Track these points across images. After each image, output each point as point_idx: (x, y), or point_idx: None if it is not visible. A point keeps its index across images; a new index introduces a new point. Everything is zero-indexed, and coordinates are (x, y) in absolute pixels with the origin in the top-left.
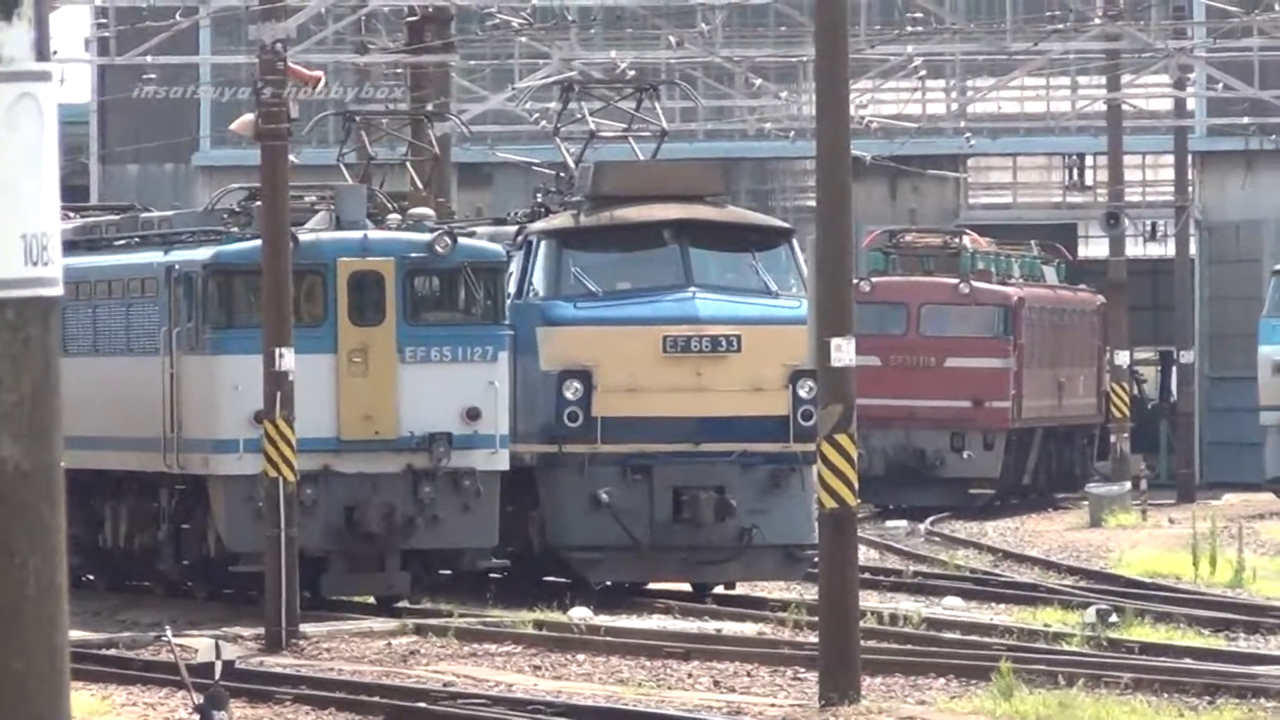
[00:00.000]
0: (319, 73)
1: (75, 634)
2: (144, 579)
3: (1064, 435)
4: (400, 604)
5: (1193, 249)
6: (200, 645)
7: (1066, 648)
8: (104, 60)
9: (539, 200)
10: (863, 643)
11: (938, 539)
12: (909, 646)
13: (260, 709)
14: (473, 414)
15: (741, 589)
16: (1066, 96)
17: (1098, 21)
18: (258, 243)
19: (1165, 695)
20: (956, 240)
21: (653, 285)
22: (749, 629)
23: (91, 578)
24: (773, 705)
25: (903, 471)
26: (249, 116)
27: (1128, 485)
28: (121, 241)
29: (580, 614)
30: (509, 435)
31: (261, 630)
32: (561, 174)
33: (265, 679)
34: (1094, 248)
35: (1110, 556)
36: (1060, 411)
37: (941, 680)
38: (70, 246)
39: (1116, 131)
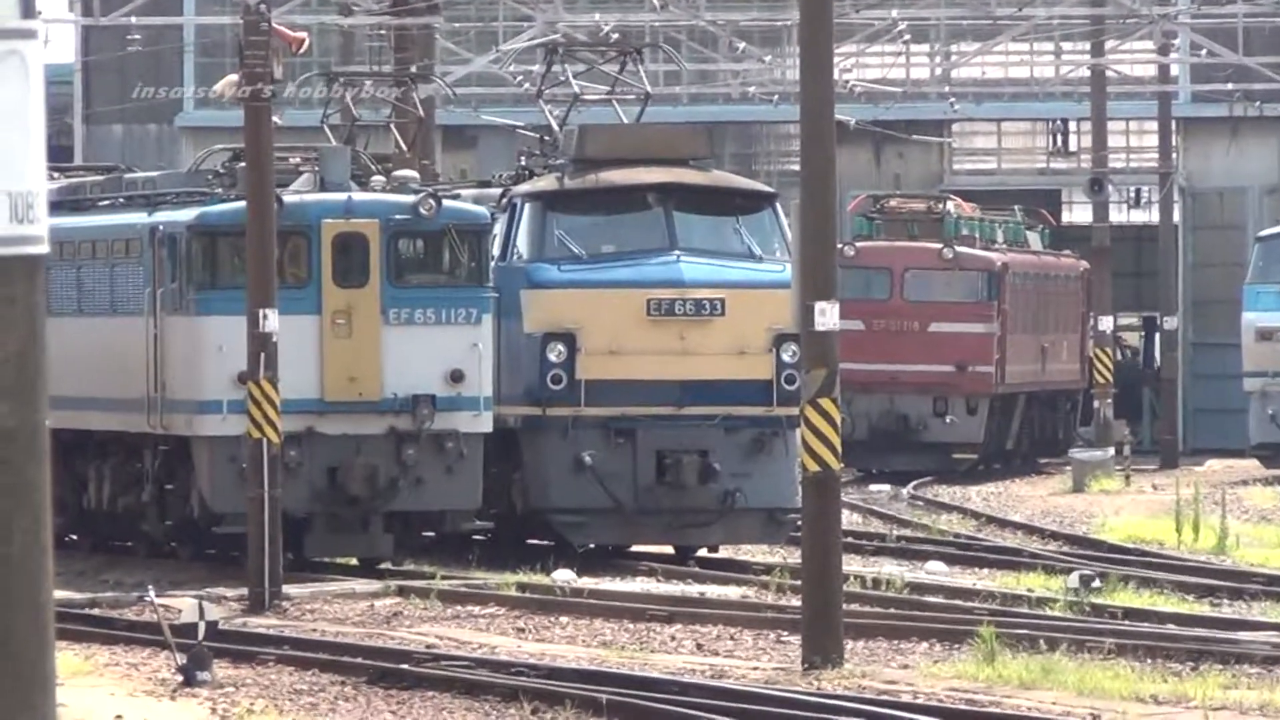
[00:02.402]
0: (303, 34)
1: (59, 594)
2: (127, 539)
3: (1047, 400)
4: (383, 565)
5: (1176, 215)
6: (183, 606)
7: (1049, 613)
8: (88, 20)
9: (523, 163)
10: (845, 606)
11: (921, 503)
12: (892, 611)
13: (243, 669)
14: (456, 376)
15: (725, 552)
16: (1051, 62)
17: None
18: (242, 204)
19: (1149, 660)
20: (941, 205)
21: (637, 248)
22: (732, 592)
23: (75, 538)
24: (756, 668)
25: (886, 436)
26: (233, 77)
27: (1111, 451)
28: (106, 202)
29: (563, 576)
30: (493, 398)
31: (244, 591)
32: (546, 137)
33: (248, 640)
34: (1078, 213)
35: (1093, 522)
36: (1044, 377)
37: (924, 644)
38: (55, 207)
39: (1101, 97)
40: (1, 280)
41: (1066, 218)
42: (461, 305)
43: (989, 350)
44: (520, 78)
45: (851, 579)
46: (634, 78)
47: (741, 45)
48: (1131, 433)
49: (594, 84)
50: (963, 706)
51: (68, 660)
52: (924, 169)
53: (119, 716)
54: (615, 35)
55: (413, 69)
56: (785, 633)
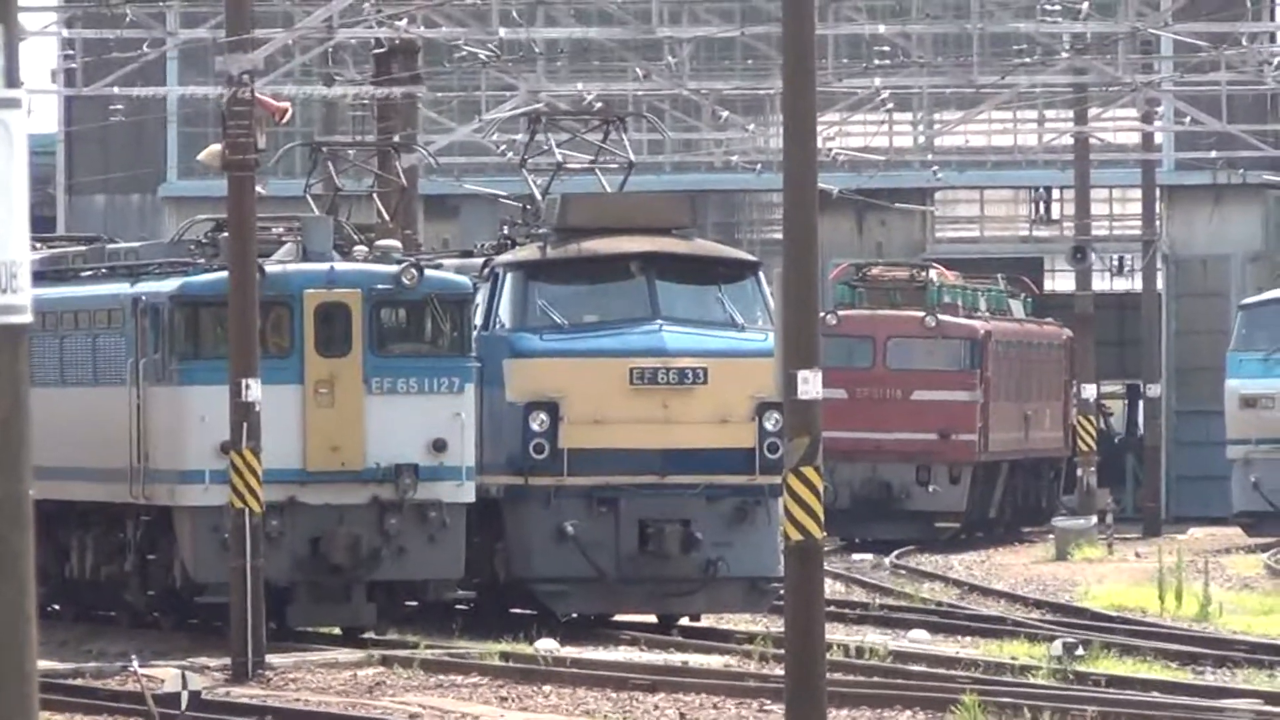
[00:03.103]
0: (286, 104)
1: (42, 664)
2: (110, 609)
3: (1030, 468)
4: (366, 635)
5: (1160, 283)
6: (166, 675)
7: (1033, 680)
8: (71, 91)
9: (505, 232)
10: (829, 675)
11: (904, 572)
12: (875, 679)
13: None
14: (439, 445)
15: (707, 621)
16: (1034, 130)
17: (1065, 55)
18: (224, 274)
19: None
20: (923, 273)
21: (619, 318)
22: (715, 661)
23: (58, 607)
24: None
25: (869, 504)
26: (216, 147)
27: (1094, 519)
28: (88, 272)
29: (546, 645)
30: (475, 467)
31: (228, 660)
32: (528, 206)
33: (231, 709)
34: (1061, 281)
35: (1076, 590)
36: (1027, 445)
37: (908, 712)
38: (37, 277)
39: (1084, 165)
40: None
41: (1049, 285)
42: (444, 374)
43: (972, 418)
44: (503, 147)
45: (835, 647)
46: (617, 146)
47: (725, 114)
48: (1115, 500)
49: (577, 153)
50: None
51: None
52: (906, 237)
53: None
54: (598, 104)
55: (395, 138)
56: (768, 701)
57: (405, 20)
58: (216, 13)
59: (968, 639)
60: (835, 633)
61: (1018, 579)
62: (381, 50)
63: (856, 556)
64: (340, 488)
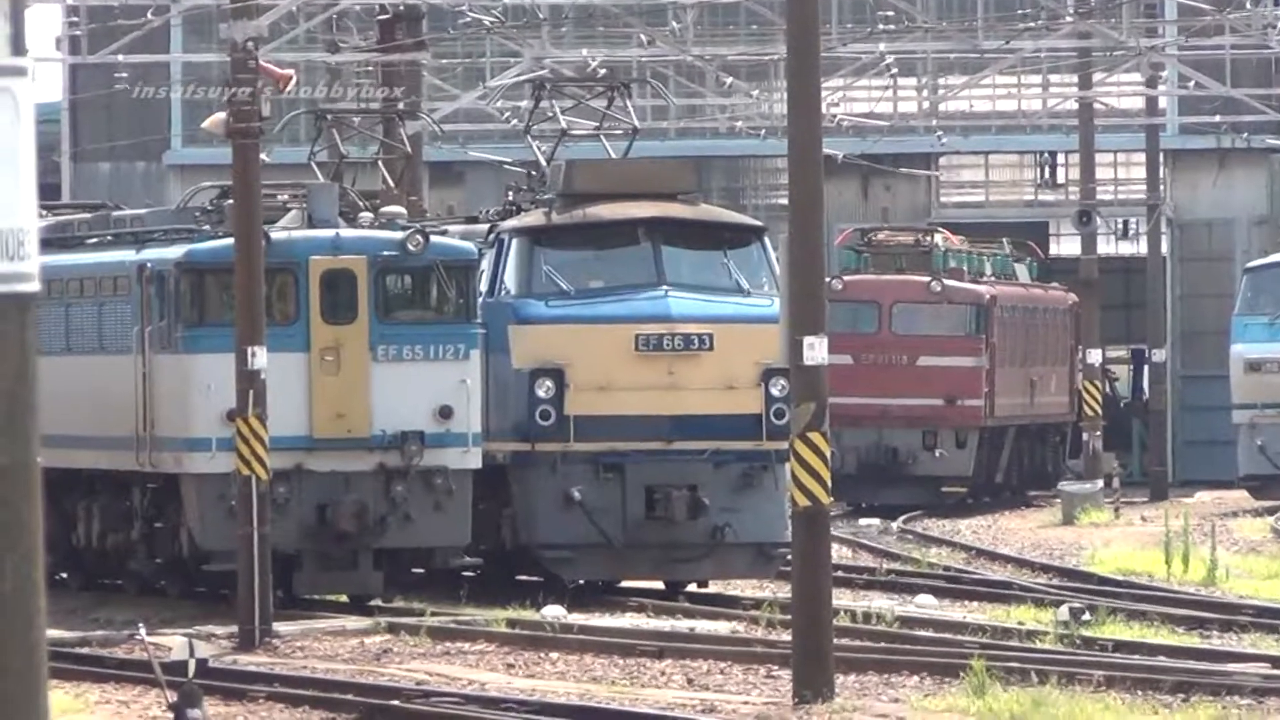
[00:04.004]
0: (290, 71)
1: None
2: (117, 577)
3: (1036, 433)
4: (373, 603)
5: (1165, 247)
6: (174, 643)
7: (1040, 645)
8: (75, 59)
9: (510, 198)
10: (836, 640)
11: (910, 537)
12: (882, 644)
13: (234, 707)
14: (445, 412)
15: (714, 587)
16: (1038, 95)
17: (1069, 19)
18: (230, 241)
19: (1139, 693)
20: (928, 238)
21: (625, 283)
22: (722, 627)
23: (65, 576)
24: (746, 703)
25: (875, 470)
26: (220, 115)
27: (1100, 483)
28: (94, 240)
29: (553, 612)
30: (481, 433)
31: (235, 628)
32: (533, 172)
33: (239, 677)
34: (1066, 246)
35: (1083, 554)
36: (1033, 410)
37: (915, 678)
38: (43, 245)
39: (1088, 130)
40: None
41: (1054, 250)
42: (449, 341)
43: (978, 383)
44: (508, 114)
45: (841, 613)
46: (622, 113)
47: (729, 80)
48: (1121, 465)
49: (581, 119)
50: None
51: (59, 698)
52: (911, 202)
53: None
54: (603, 70)
55: (400, 105)
56: (775, 667)
57: None
58: None
59: (974, 604)
60: (842, 598)
61: (1024, 544)
62: (386, 16)
63: (863, 521)
64: (346, 455)
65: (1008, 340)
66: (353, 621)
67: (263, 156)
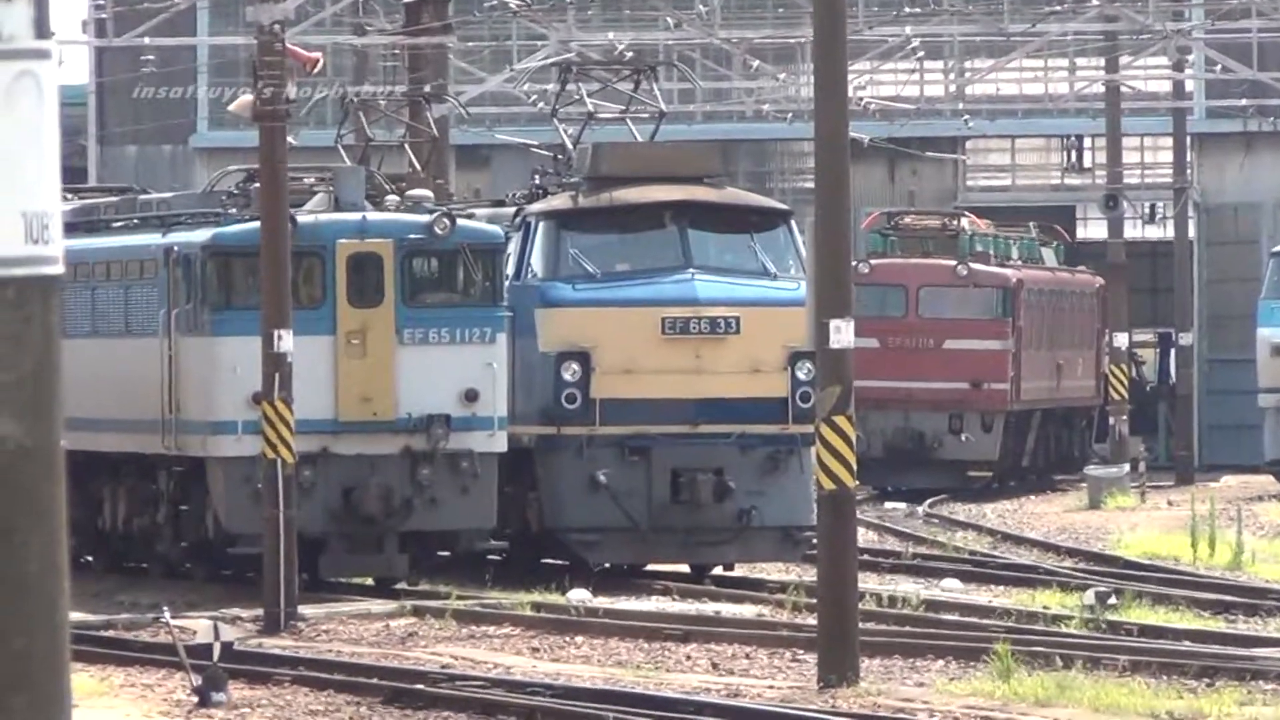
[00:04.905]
0: (317, 54)
1: (74, 615)
2: (142, 560)
3: (1062, 417)
4: (398, 586)
5: (1191, 231)
6: (199, 627)
7: (1065, 629)
8: (101, 42)
9: (537, 182)
10: (861, 624)
11: (936, 521)
12: (907, 628)
13: (259, 690)
14: (471, 396)
15: (740, 570)
16: (1065, 78)
17: (1096, 3)
18: (256, 224)
19: (1164, 677)
20: (955, 222)
21: (651, 267)
22: (748, 611)
23: (90, 559)
24: (771, 687)
25: (901, 453)
26: (247, 97)
27: (1126, 467)
28: (120, 223)
29: (579, 596)
30: (507, 417)
31: (260, 612)
32: (559, 155)
33: (264, 660)
34: (1093, 229)
35: (1109, 538)
36: (1059, 393)
37: (940, 662)
38: (69, 228)
39: (1115, 113)
40: (17, 300)
41: (1081, 234)
42: (476, 325)
43: (1004, 367)
44: (534, 97)
45: (867, 597)
46: (648, 96)
47: (756, 63)
48: (1147, 449)
49: (608, 102)
50: None
51: (83, 681)
52: (938, 186)
53: None
54: (629, 54)
55: (427, 89)
56: (801, 651)
57: None
58: None
59: (1000, 588)
60: (868, 582)
61: (1050, 528)
62: (412, 0)
63: (889, 505)
64: (372, 438)
65: (1034, 324)
66: (378, 605)
67: (289, 140)
